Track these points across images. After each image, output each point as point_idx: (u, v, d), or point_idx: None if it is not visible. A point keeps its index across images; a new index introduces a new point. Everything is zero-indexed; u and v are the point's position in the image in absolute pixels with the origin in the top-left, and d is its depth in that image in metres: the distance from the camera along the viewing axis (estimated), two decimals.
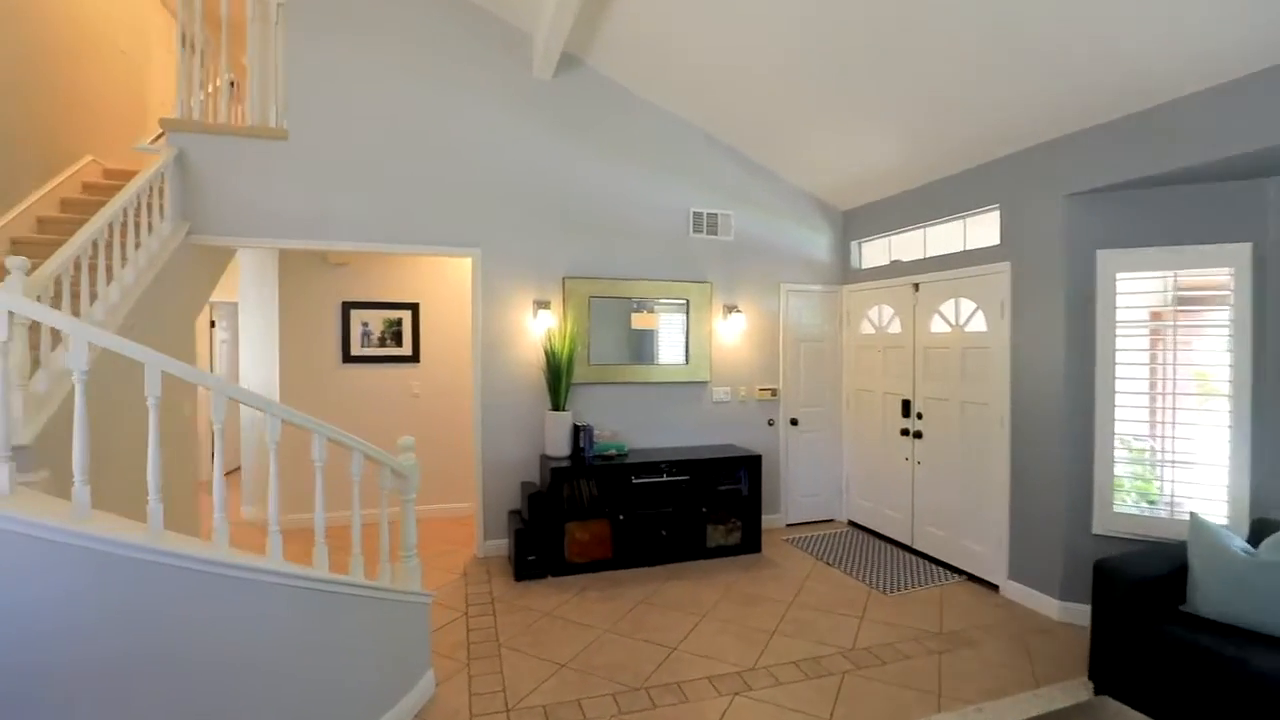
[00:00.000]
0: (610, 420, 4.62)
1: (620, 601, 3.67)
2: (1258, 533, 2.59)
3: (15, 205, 3.81)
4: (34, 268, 2.48)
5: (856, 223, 5.15)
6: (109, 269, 3.07)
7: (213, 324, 6.58)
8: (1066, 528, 3.37)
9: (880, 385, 4.80)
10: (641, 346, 4.71)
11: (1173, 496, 3.14)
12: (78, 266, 3.12)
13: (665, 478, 4.32)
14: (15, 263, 2.43)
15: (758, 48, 3.64)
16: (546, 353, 4.32)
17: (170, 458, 2.98)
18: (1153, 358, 3.22)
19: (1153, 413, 3.21)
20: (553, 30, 3.82)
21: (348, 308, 5.07)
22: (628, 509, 4.22)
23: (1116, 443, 3.27)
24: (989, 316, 3.86)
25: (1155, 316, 3.23)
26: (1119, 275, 3.25)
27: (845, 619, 3.45)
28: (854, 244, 5.21)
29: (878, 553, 4.49)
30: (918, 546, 4.42)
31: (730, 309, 4.90)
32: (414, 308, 5.24)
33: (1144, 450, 3.27)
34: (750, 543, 4.50)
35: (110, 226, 3.06)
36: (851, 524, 5.16)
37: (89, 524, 1.70)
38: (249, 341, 5.11)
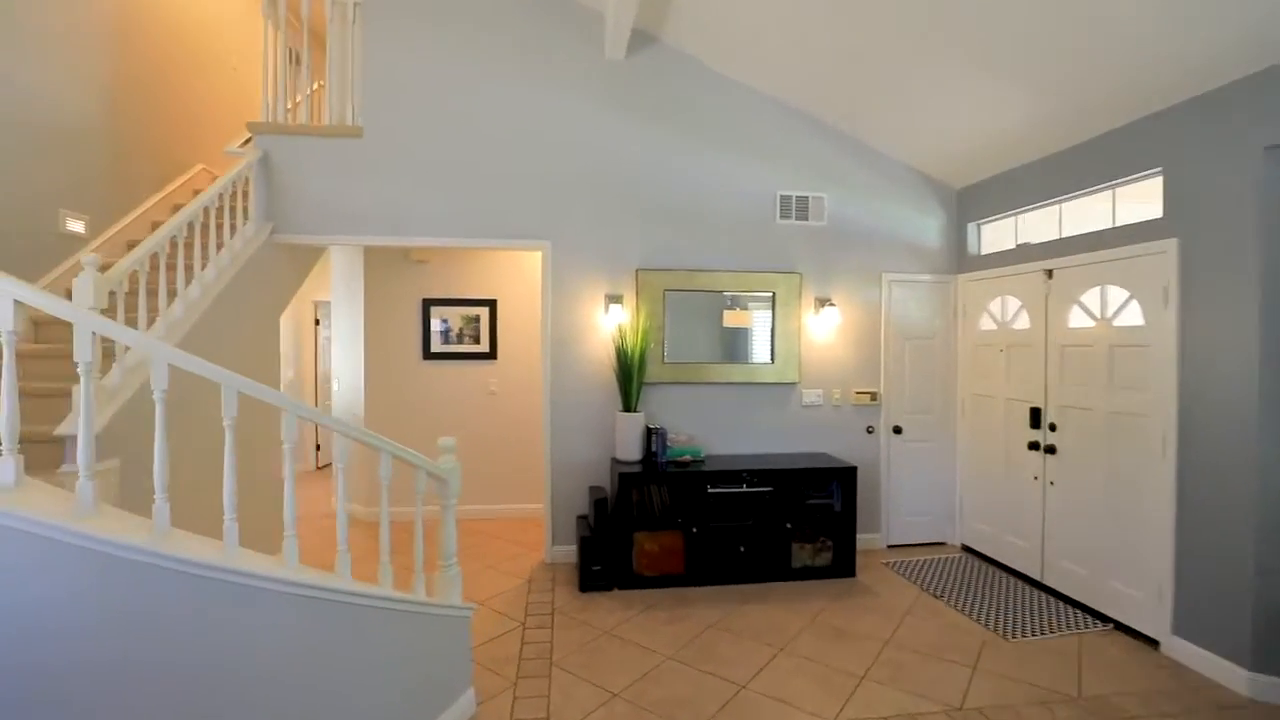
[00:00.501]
0: (685, 423, 4.28)
1: (688, 624, 3.34)
2: None
3: (132, 210, 4.12)
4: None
5: (974, 201, 4.46)
6: (188, 267, 3.18)
7: (317, 322, 6.96)
8: (1262, 580, 2.62)
9: (1002, 390, 4.11)
10: (721, 344, 4.33)
11: None
12: (155, 265, 3.26)
13: (745, 488, 3.92)
14: (88, 259, 2.52)
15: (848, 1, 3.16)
16: (617, 349, 4.06)
17: (253, 452, 3.05)
18: None
19: None
20: (622, 4, 3.55)
21: (428, 305, 5.10)
22: (702, 520, 3.86)
23: None
24: (1147, 307, 3.12)
25: None
26: None
27: (953, 667, 2.90)
28: (971, 226, 4.51)
29: (997, 586, 3.82)
30: (1049, 582, 3.71)
31: (823, 302, 4.40)
32: (491, 304, 5.18)
33: None
34: (842, 565, 3.99)
35: (191, 226, 3.16)
36: (965, 549, 4.48)
37: (88, 523, 1.63)
38: (339, 338, 5.28)
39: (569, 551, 4.20)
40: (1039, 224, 3.96)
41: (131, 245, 3.86)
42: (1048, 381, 3.72)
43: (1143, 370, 3.13)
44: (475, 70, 4.05)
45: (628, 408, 4.07)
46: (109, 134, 3.91)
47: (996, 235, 4.36)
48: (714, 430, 4.32)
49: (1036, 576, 3.80)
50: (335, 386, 5.39)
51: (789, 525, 3.94)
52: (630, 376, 4.05)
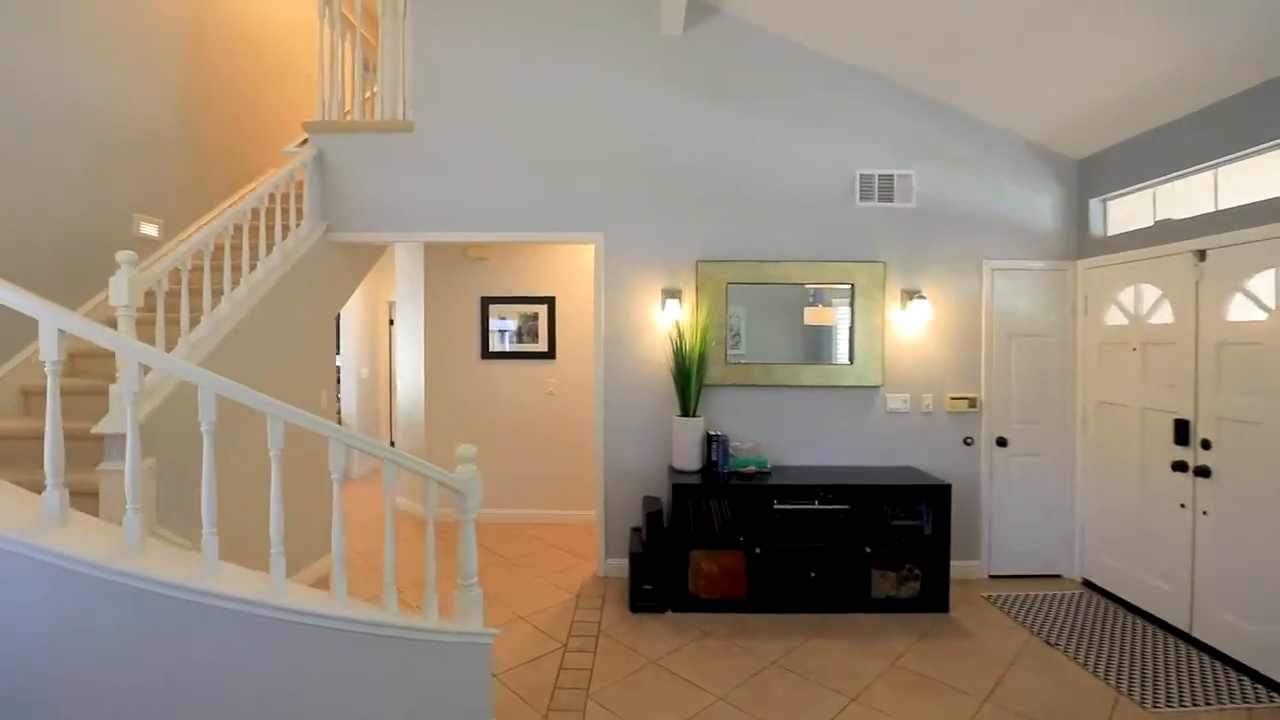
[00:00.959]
0: (750, 430, 3.89)
1: (746, 658, 2.95)
2: None
3: (204, 214, 4.25)
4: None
5: (1099, 173, 3.76)
6: (235, 268, 3.17)
7: (391, 322, 7.08)
8: None
9: (1137, 397, 3.41)
10: (792, 342, 3.90)
11: None
12: (199, 265, 3.26)
13: (818, 504, 3.48)
14: (123, 257, 2.50)
15: None
16: (675, 349, 3.73)
17: (308, 454, 3.00)
18: None
19: None
20: None
21: (486, 302, 4.98)
22: (767, 540, 3.46)
23: None
24: None
25: None
26: None
27: None
28: (1094, 203, 3.81)
29: (1131, 635, 3.16)
30: (1201, 636, 3.01)
31: (911, 294, 3.86)
32: (550, 301, 5.00)
33: None
34: (933, 598, 3.45)
35: (239, 228, 3.16)
36: (1088, 585, 3.78)
37: (44, 537, 1.51)
38: (402, 337, 5.29)
39: (622, 565, 3.91)
40: (1186, 195, 3.25)
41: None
42: (1199, 388, 3.03)
43: None
44: (525, 55, 3.85)
45: (686, 412, 3.73)
46: (183, 141, 4.04)
47: (1128, 212, 3.65)
48: (782, 438, 3.89)
49: (1184, 627, 3.10)
50: (400, 386, 5.40)
51: (868, 549, 3.45)
52: (689, 378, 3.71)
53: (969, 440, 3.90)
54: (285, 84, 4.96)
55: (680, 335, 3.74)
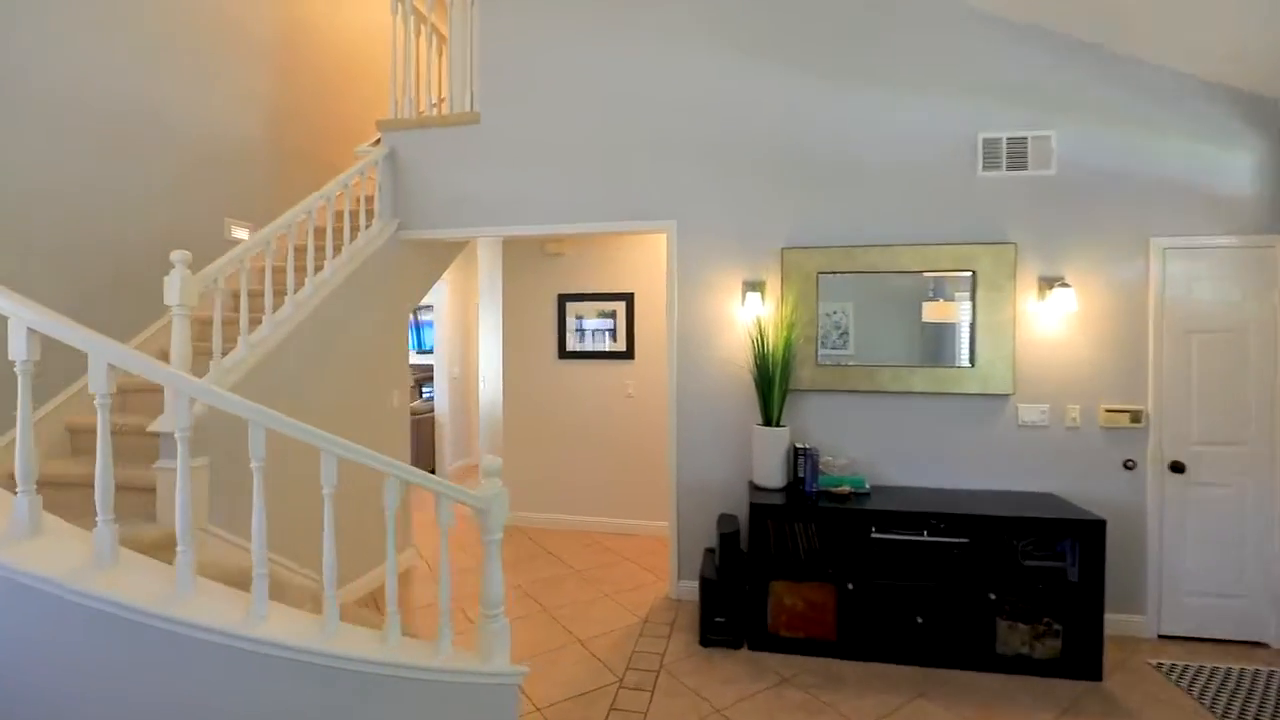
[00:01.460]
0: (845, 443, 3.36)
1: (832, 716, 2.47)
2: None
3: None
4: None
5: None
6: (299, 268, 3.15)
7: None
8: None
9: None
10: (898, 340, 3.33)
11: None
12: (279, 266, 3.26)
13: (927, 535, 2.91)
14: (177, 256, 2.49)
15: None
16: (756, 348, 3.30)
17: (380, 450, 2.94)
18: None
19: None
20: None
21: (563, 300, 4.79)
22: (863, 574, 2.94)
23: None
24: None
25: None
26: None
27: None
28: None
29: None
30: None
31: (1050, 282, 3.16)
32: (628, 298, 4.71)
33: None
34: (1079, 660, 2.76)
35: (304, 227, 3.14)
36: None
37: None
38: (484, 336, 5.22)
39: (694, 588, 3.53)
40: None
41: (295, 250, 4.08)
42: None
43: None
44: (590, 33, 3.58)
45: (768, 421, 3.29)
46: (271, 146, 4.17)
47: None
48: (883, 454, 3.33)
49: None
50: (482, 386, 5.35)
51: (992, 595, 2.83)
52: (771, 382, 3.26)
53: (1130, 464, 3.12)
54: (364, 85, 5.04)
55: (762, 333, 3.30)
